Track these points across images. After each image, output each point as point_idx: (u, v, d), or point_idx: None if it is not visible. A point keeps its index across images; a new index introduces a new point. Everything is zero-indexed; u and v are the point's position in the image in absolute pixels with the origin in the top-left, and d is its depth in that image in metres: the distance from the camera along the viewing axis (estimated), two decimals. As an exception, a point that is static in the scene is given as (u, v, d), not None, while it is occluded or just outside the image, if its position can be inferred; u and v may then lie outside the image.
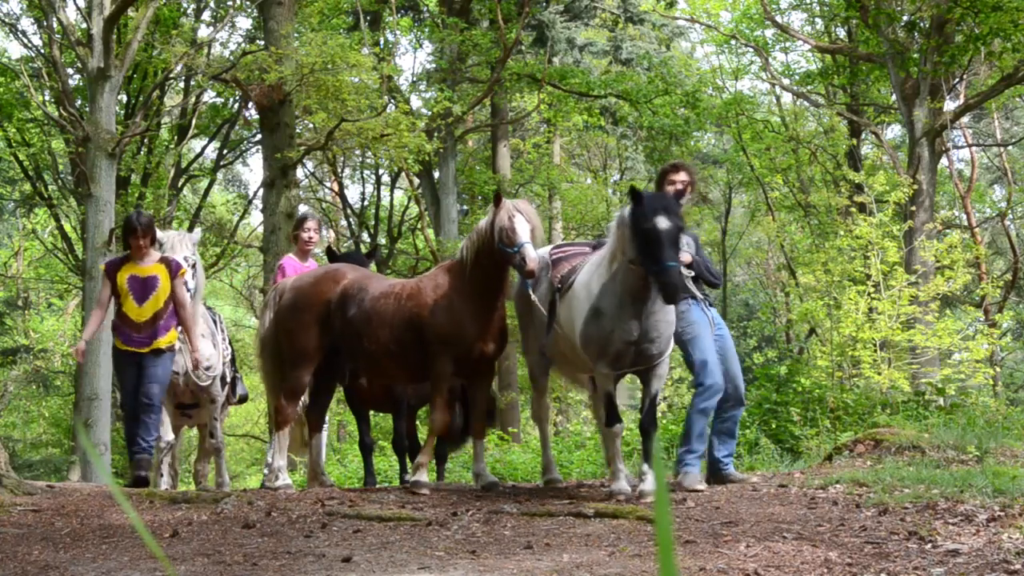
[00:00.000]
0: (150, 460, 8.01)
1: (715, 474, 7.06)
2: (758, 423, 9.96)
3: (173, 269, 7.96)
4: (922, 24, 19.16)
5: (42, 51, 20.13)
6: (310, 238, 9.01)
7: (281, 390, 7.69)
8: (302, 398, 7.97)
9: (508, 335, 7.43)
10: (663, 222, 6.17)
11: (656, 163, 24.48)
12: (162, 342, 7.91)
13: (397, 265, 24.53)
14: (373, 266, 9.00)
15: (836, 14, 22.42)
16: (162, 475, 8.51)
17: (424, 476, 7.15)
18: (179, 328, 8.13)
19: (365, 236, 25.52)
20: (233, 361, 9.00)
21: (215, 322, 8.64)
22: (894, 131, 27.92)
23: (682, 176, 7.20)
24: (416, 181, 21.97)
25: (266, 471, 8.89)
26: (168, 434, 8.38)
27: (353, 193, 29.82)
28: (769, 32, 24.50)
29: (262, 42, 17.42)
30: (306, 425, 8.19)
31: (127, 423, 8.13)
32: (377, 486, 8.37)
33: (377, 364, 7.52)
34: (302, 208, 17.75)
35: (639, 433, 6.97)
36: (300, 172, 21.71)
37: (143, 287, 7.87)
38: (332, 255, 9.21)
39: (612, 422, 6.54)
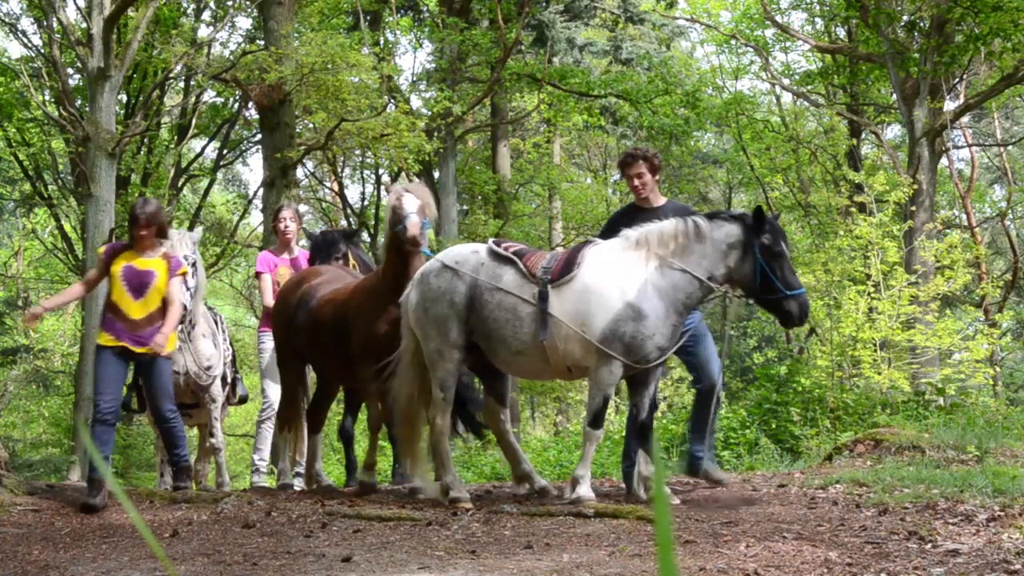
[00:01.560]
0: (189, 467, 7.69)
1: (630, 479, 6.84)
2: (758, 423, 9.96)
3: (173, 267, 7.41)
4: (922, 24, 19.16)
5: (42, 51, 20.12)
6: (286, 227, 9.00)
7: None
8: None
9: None
10: (786, 247, 6.13)
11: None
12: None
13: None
14: (368, 250, 8.79)
15: (836, 14, 22.41)
16: (162, 475, 8.51)
17: (420, 480, 7.16)
18: (178, 331, 8.12)
19: (365, 236, 25.51)
20: (233, 361, 9.00)
21: (216, 322, 8.64)
22: (894, 131, 27.93)
23: (638, 169, 6.93)
24: (416, 181, 21.96)
25: (269, 472, 8.98)
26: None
27: (353, 193, 29.85)
28: (769, 32, 24.50)
29: (262, 42, 17.41)
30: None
31: (92, 427, 7.22)
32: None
33: (327, 368, 7.59)
34: (302, 207, 17.80)
35: (638, 433, 6.82)
36: (300, 172, 21.71)
37: (139, 281, 7.27)
38: (310, 238, 9.25)
39: (600, 425, 6.34)
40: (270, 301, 8.79)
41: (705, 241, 6.13)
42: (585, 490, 6.21)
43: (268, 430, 8.93)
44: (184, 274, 7.50)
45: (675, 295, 6.10)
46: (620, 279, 6.11)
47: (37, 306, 7.58)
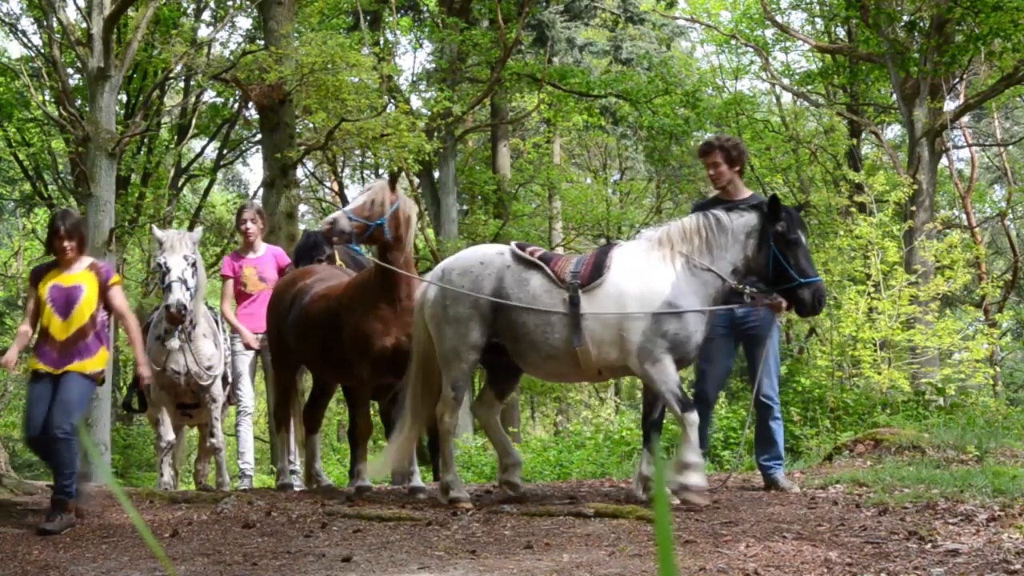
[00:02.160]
0: (66, 502, 6.44)
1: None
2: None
3: (104, 276, 6.73)
4: (922, 24, 19.15)
5: (42, 51, 20.12)
6: (246, 229, 9.02)
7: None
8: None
9: None
10: (803, 236, 6.09)
11: (656, 163, 24.52)
12: (86, 365, 6.58)
13: (397, 265, 24.52)
14: (368, 250, 8.55)
15: (836, 14, 22.41)
16: (162, 475, 8.52)
17: (418, 480, 7.20)
18: (178, 331, 8.12)
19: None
20: (234, 361, 9.01)
21: (216, 322, 8.66)
22: (894, 131, 27.92)
23: (714, 158, 6.82)
24: (416, 181, 21.97)
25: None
26: (169, 434, 8.41)
27: (353, 193, 29.79)
28: (769, 32, 24.51)
29: (262, 42, 17.41)
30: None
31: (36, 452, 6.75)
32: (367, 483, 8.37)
33: (319, 366, 7.60)
34: (302, 207, 17.78)
35: (644, 431, 6.77)
36: (300, 172, 21.71)
37: (66, 298, 6.63)
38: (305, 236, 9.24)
39: (689, 407, 6.02)
40: (228, 308, 8.78)
41: (727, 233, 6.11)
42: (696, 478, 6.01)
43: (247, 431, 8.95)
44: (118, 283, 6.82)
45: (707, 291, 6.10)
46: (653, 279, 6.07)
47: (10, 354, 6.77)
